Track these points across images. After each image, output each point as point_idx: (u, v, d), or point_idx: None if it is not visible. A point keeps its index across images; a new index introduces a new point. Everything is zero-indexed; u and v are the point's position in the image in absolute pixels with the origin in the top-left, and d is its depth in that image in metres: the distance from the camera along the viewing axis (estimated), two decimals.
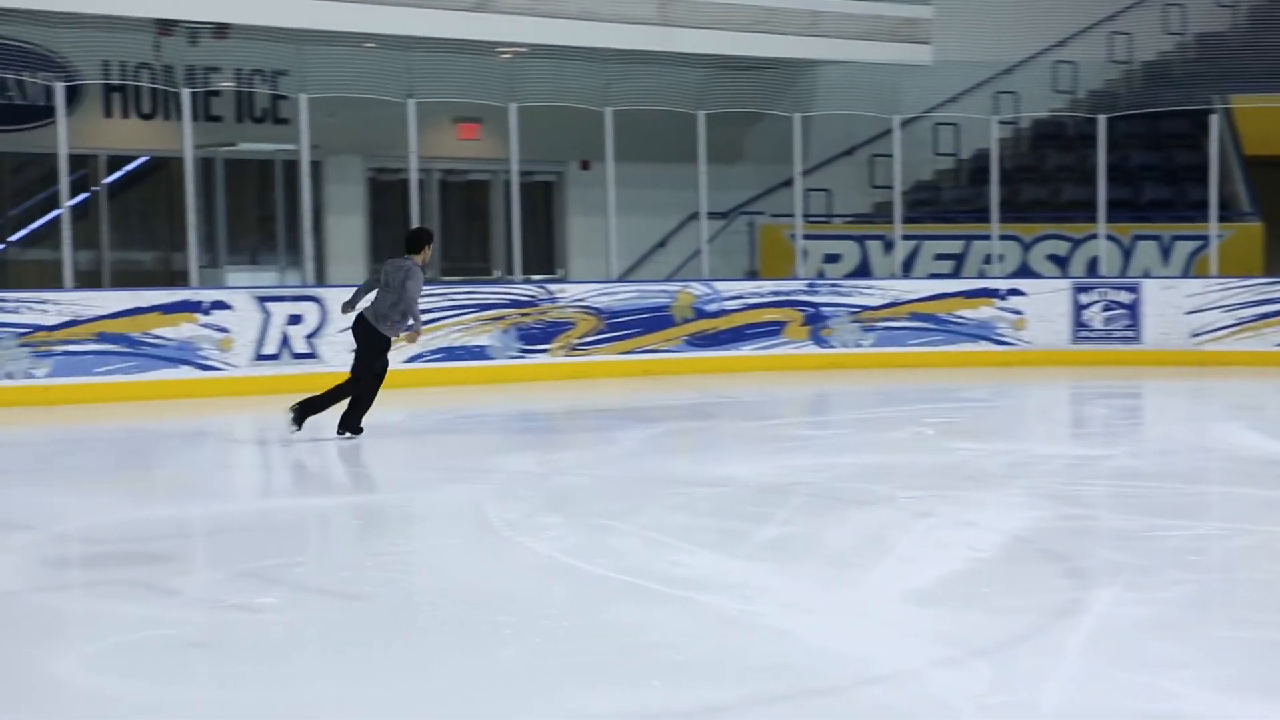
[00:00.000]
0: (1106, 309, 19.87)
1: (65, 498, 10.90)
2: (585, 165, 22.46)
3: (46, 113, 18.72)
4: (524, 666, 6.53)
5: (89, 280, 19.75)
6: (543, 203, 23.42)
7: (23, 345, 15.69)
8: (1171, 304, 19.70)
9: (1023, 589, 7.86)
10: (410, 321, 13.30)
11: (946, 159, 24.39)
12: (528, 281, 19.11)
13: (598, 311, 18.47)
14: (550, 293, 18.49)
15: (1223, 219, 20.88)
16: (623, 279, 20.11)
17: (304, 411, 13.12)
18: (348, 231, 21.76)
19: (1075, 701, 5.82)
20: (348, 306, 13.68)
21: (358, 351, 13.36)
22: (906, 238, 21.29)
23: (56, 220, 17.85)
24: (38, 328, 15.77)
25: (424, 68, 19.48)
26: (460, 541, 9.26)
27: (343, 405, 13.30)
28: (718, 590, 7.80)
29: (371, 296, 13.46)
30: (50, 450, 13.83)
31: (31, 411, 15.49)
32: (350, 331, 13.55)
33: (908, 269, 21.36)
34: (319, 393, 13.33)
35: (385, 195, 22.27)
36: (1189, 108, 22.23)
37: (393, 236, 21.41)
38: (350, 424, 13.27)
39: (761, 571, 8.30)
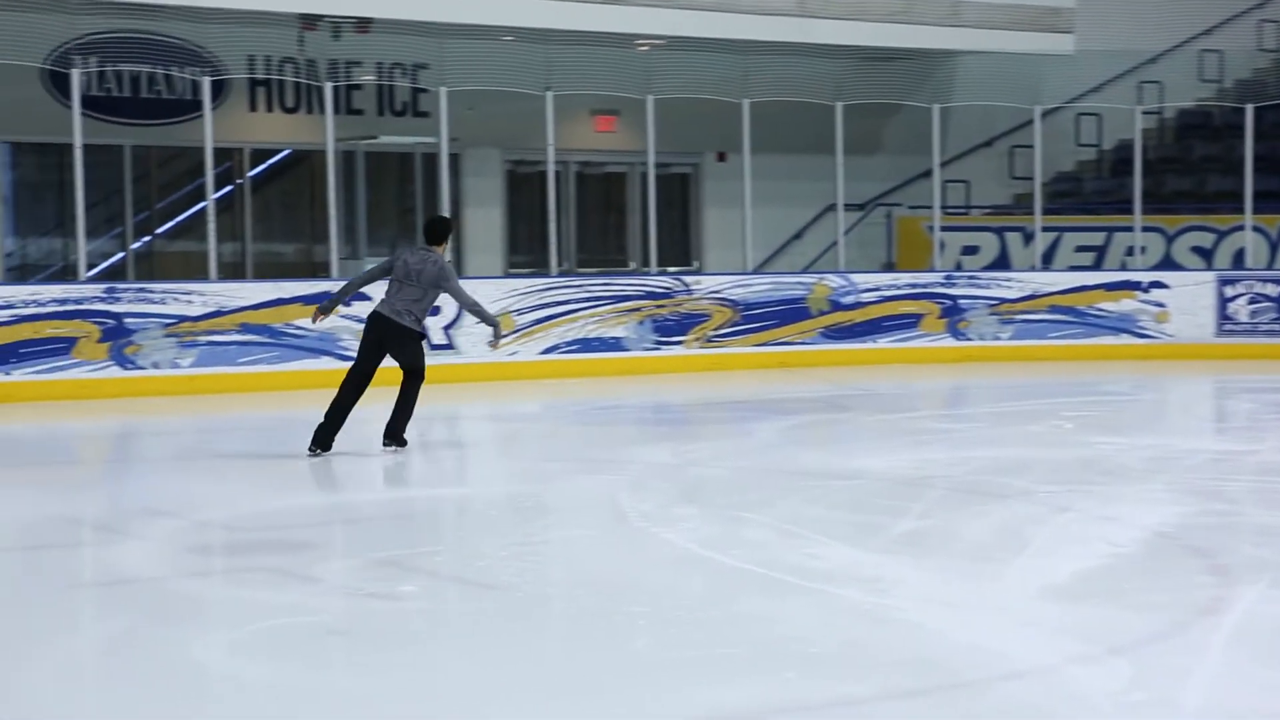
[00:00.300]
0: (1252, 301, 19.48)
1: (208, 486, 11.09)
2: (722, 157, 22.44)
3: (193, 107, 19.06)
4: (657, 658, 6.54)
5: (232, 272, 20.11)
6: (679, 194, 23.43)
7: (168, 335, 15.98)
8: None
9: (1164, 585, 7.73)
10: (489, 325, 12.23)
11: (1088, 149, 24.06)
12: (663, 273, 19.13)
13: (733, 303, 18.44)
14: (686, 285, 18.50)
15: None
16: (758, 271, 20.08)
17: (396, 431, 12.03)
18: (486, 223, 21.92)
19: (1218, 701, 5.71)
20: (335, 302, 12.27)
21: (367, 349, 11.91)
22: (1046, 229, 21.03)
23: (202, 213, 18.16)
24: (183, 318, 16.05)
25: (562, 60, 19.57)
26: (595, 532, 9.29)
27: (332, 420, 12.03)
28: (852, 583, 7.76)
29: (379, 290, 12.13)
30: (193, 439, 14.08)
31: (176, 401, 15.77)
32: (364, 329, 12.05)
33: (1047, 261, 21.10)
34: (393, 413, 12.04)
35: (523, 187, 22.40)
36: None
37: (530, 228, 21.55)
38: (396, 435, 12.05)
39: (897, 565, 8.24)
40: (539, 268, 20.00)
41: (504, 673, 6.29)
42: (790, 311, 18.70)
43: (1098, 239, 21.50)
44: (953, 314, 19.40)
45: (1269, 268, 20.40)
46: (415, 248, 11.86)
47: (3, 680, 6.30)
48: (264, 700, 5.98)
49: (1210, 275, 19.89)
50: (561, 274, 19.07)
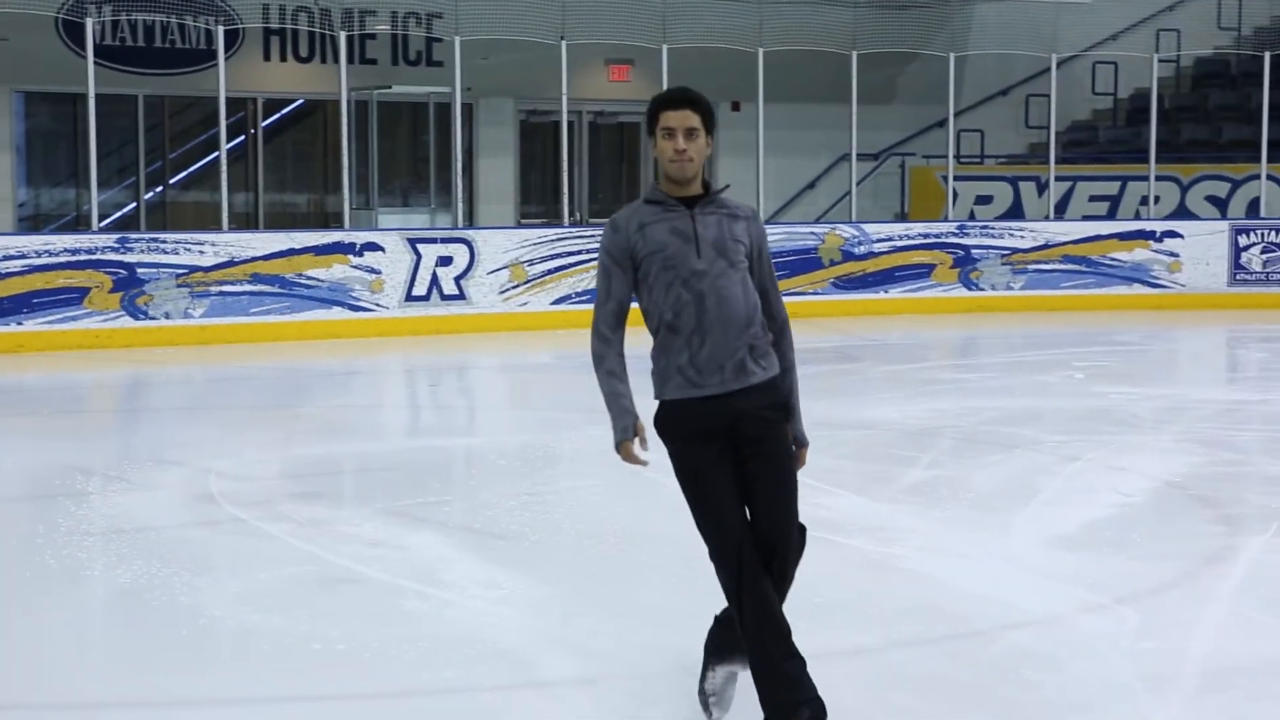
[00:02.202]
0: (1266, 251, 19.40)
1: (218, 434, 11.12)
2: (736, 106, 22.33)
3: (207, 56, 19.03)
4: (664, 605, 6.56)
5: (244, 222, 20.10)
6: None
7: (181, 285, 15.98)
8: None
9: (1173, 535, 7.74)
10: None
11: (1104, 98, 23.93)
12: None
13: None
14: None
15: None
16: (771, 220, 20.02)
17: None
18: (498, 173, 21.88)
19: (1225, 649, 5.72)
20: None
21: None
22: (1060, 179, 20.93)
23: (214, 163, 18.13)
24: (195, 268, 16.05)
25: (576, 9, 19.48)
26: (604, 482, 9.28)
27: None
28: (861, 533, 7.77)
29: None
30: (204, 389, 14.11)
31: (187, 351, 15.78)
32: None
33: (1061, 211, 21.02)
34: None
35: (535, 137, 22.35)
36: None
37: (542, 178, 21.51)
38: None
39: (905, 515, 8.25)
40: (551, 218, 19.96)
41: (511, 622, 6.31)
42: (802, 262, 18.66)
43: (1112, 188, 21.40)
44: (965, 264, 19.34)
45: None
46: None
47: (12, 628, 6.33)
48: (270, 649, 6.01)
49: (1224, 224, 19.81)
50: (573, 224, 19.01)
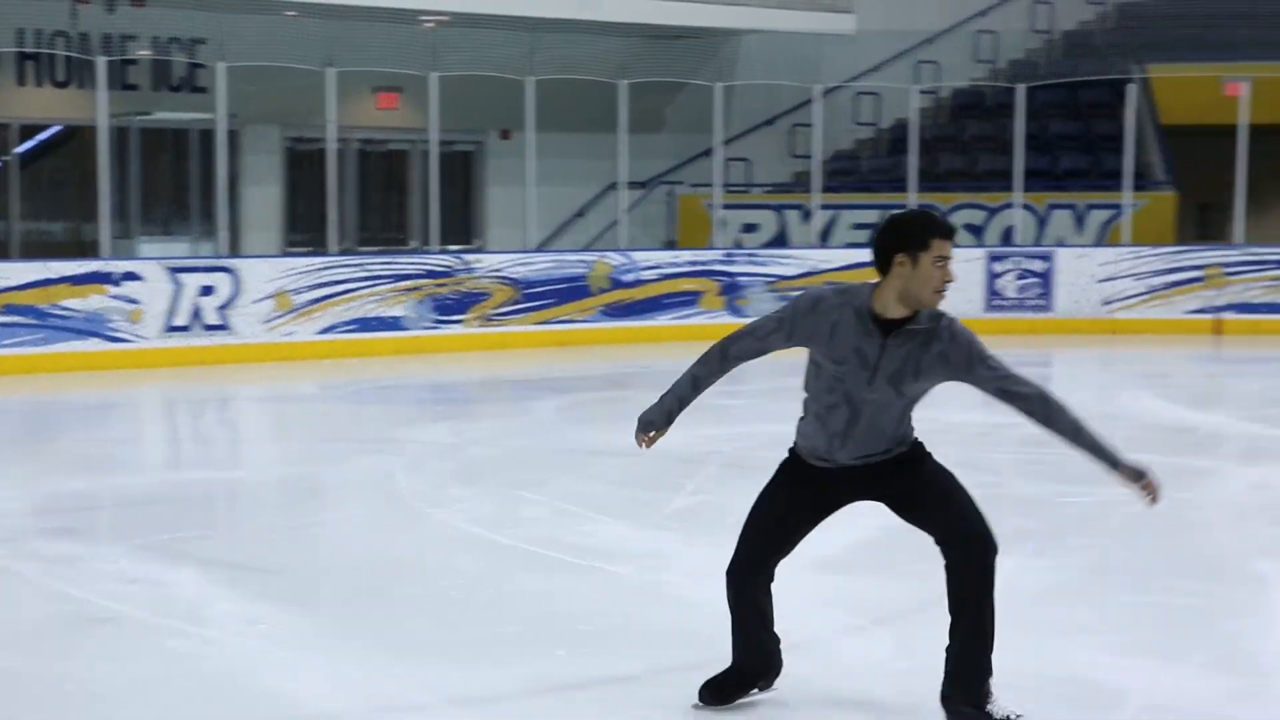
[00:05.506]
0: (1020, 277, 19.97)
1: None
2: (506, 135, 22.34)
3: None
4: (432, 638, 6.51)
5: None
6: (462, 173, 23.28)
7: None
8: (1084, 272, 19.81)
9: (931, 555, 7.84)
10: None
11: (866, 128, 24.42)
12: (444, 252, 18.98)
13: (514, 282, 18.38)
14: (466, 263, 18.38)
15: (1138, 188, 21.01)
16: (540, 249, 20.04)
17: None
18: (264, 201, 21.55)
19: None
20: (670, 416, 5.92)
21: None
22: (825, 207, 21.31)
23: None
24: None
25: (343, 36, 19.31)
26: (370, 513, 9.21)
27: None
28: (627, 560, 7.80)
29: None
30: None
31: None
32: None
33: (826, 239, 21.40)
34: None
35: (303, 165, 22.07)
36: (1107, 77, 22.32)
37: (309, 207, 21.23)
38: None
39: (671, 541, 8.31)
40: (318, 246, 19.72)
41: (275, 656, 6.20)
42: (570, 290, 18.69)
43: (874, 217, 21.83)
44: (731, 291, 19.56)
45: (1036, 244, 20.91)
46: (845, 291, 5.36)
47: None
48: (17, 691, 5.82)
49: (980, 252, 20.33)
50: (341, 252, 18.80)
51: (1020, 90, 20.93)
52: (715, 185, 20.93)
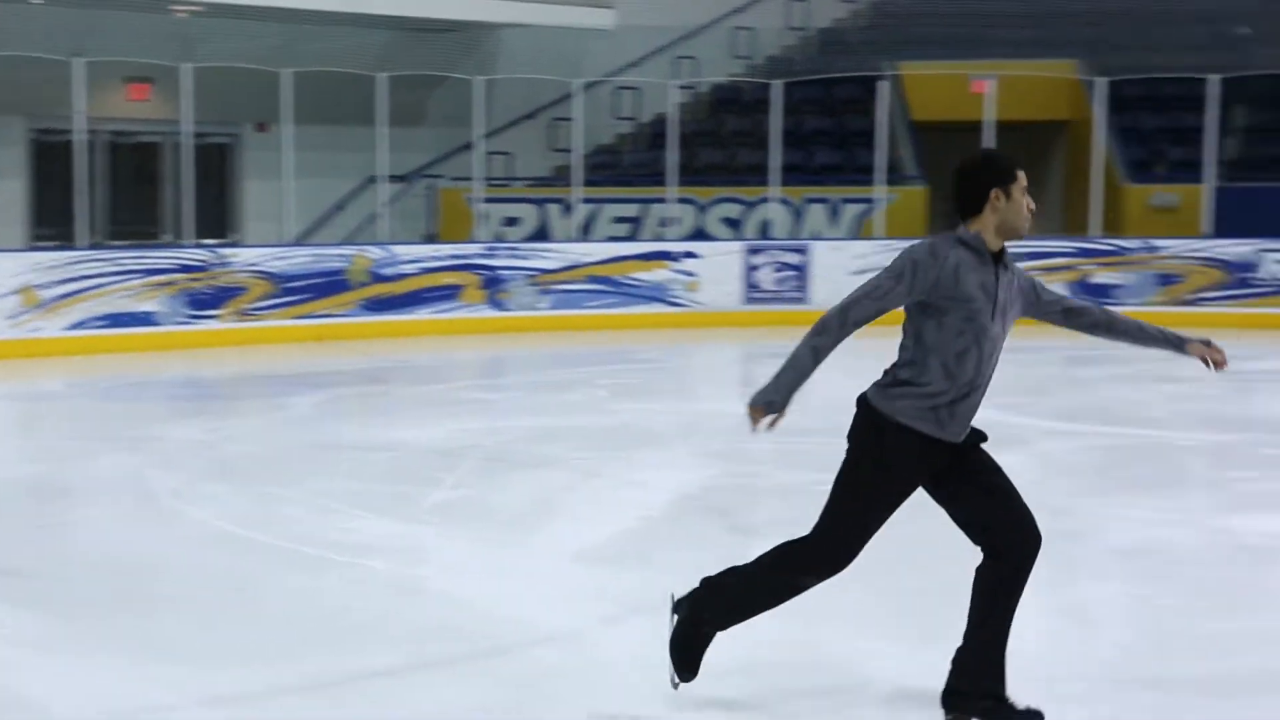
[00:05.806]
0: (777, 270, 20.27)
1: None
2: (262, 127, 21.99)
3: None
4: (185, 639, 6.39)
5: None
6: (217, 166, 22.86)
7: None
8: (839, 265, 20.15)
9: (689, 545, 7.98)
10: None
11: (626, 123, 24.57)
12: (198, 246, 18.62)
13: (271, 276, 18.10)
14: (221, 257, 18.05)
15: (890, 182, 21.50)
16: (298, 243, 19.77)
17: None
18: (7, 194, 20.90)
19: (726, 656, 5.85)
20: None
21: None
22: (586, 201, 21.39)
23: None
24: None
25: (94, 25, 18.81)
26: (121, 512, 8.99)
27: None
28: (387, 555, 7.75)
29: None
30: None
31: None
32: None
33: (587, 232, 21.47)
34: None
35: (49, 157, 21.44)
36: (860, 74, 22.81)
37: (57, 200, 20.64)
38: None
39: (431, 535, 8.28)
40: (65, 240, 19.18)
41: (17, 659, 6.03)
42: (329, 284, 18.46)
43: (634, 210, 21.98)
44: (493, 285, 19.52)
45: (792, 238, 21.25)
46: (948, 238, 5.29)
47: None
48: None
49: (738, 245, 20.58)
50: (91, 246, 18.32)
51: (776, 86, 21.26)
52: (476, 179, 20.88)
